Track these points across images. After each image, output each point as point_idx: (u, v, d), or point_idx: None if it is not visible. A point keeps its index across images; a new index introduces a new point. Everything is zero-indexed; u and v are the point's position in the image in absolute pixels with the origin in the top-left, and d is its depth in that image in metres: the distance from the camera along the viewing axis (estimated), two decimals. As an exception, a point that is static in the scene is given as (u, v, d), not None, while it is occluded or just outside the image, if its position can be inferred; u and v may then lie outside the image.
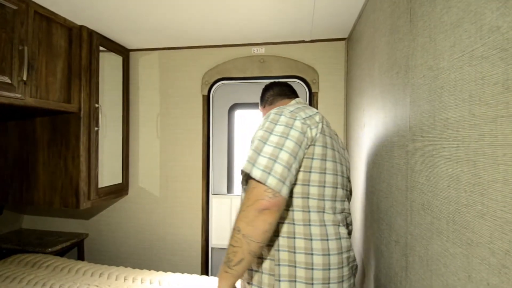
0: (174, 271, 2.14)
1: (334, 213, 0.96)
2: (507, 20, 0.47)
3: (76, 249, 2.31)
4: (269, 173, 0.83)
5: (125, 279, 1.69)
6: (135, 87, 2.22)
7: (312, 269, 0.90)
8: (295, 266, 0.91)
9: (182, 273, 2.01)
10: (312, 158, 0.92)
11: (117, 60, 2.12)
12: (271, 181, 0.82)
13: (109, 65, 2.05)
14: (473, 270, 0.54)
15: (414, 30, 0.83)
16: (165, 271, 2.15)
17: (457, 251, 0.59)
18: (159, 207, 2.22)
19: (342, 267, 0.94)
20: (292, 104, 1.06)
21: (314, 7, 1.56)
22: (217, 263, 2.24)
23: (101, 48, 1.95)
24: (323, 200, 0.95)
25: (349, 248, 0.98)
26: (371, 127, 1.32)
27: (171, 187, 2.20)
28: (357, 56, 1.68)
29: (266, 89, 1.31)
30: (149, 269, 2.12)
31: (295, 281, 0.90)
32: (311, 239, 0.91)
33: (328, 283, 0.91)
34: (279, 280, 0.91)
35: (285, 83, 1.31)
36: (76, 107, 1.76)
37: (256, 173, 0.83)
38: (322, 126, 0.96)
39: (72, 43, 1.78)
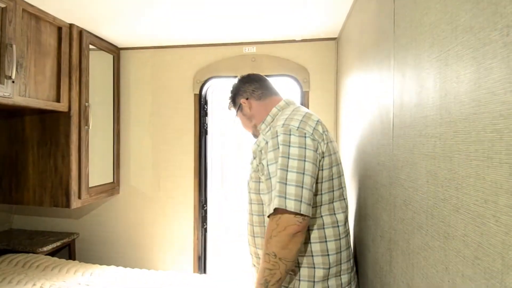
0: (167, 270, 2.14)
1: (344, 212, 1.08)
2: (479, 21, 0.49)
3: (67, 249, 2.30)
4: (300, 201, 0.91)
5: (116, 278, 1.69)
6: (126, 86, 2.21)
7: (329, 268, 1.03)
8: (314, 268, 1.03)
9: (174, 271, 2.02)
10: (322, 169, 1.02)
11: (108, 58, 2.11)
12: (304, 208, 0.91)
13: (99, 64, 2.04)
14: (449, 262, 0.56)
15: (397, 30, 0.85)
16: (159, 269, 2.15)
17: (435, 244, 0.61)
18: (151, 206, 2.21)
19: (350, 259, 1.10)
20: (288, 109, 1.13)
21: (305, 6, 1.58)
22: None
23: (91, 46, 1.94)
24: (333, 203, 1.06)
25: (349, 243, 1.13)
26: (359, 125, 1.34)
27: (163, 186, 2.20)
28: (346, 56, 1.70)
29: (246, 81, 1.27)
30: (141, 268, 2.12)
31: (314, 281, 1.02)
32: (325, 241, 1.03)
33: (340, 275, 1.06)
34: (299, 280, 1.03)
35: (265, 77, 1.31)
36: (66, 106, 1.75)
37: (290, 205, 0.90)
38: (326, 135, 1.05)
39: (62, 42, 1.76)
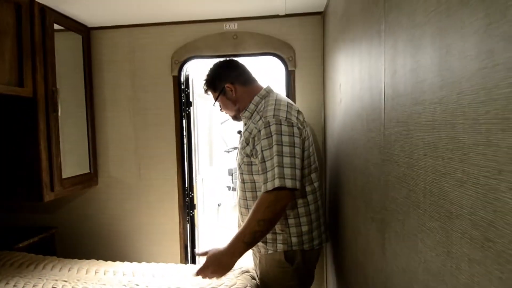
0: (152, 261, 2.06)
1: (318, 180, 1.36)
2: (491, -48, 0.40)
3: (46, 244, 2.18)
4: (295, 180, 1.14)
5: (96, 272, 1.60)
6: (99, 68, 2.05)
7: (312, 223, 1.34)
8: (300, 226, 1.32)
9: (164, 262, 1.93)
10: (304, 150, 1.25)
11: (76, 39, 1.94)
12: (298, 185, 1.15)
13: (67, 45, 1.89)
14: (452, 245, 0.49)
15: (388, -13, 0.75)
16: (143, 261, 2.06)
17: (435, 225, 0.54)
18: (132, 196, 2.11)
19: (324, 213, 1.44)
20: (270, 98, 1.31)
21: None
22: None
23: (57, 26, 1.77)
24: (310, 174, 1.32)
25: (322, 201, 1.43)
26: (347, 102, 1.25)
27: (144, 175, 2.09)
28: (332, 30, 1.60)
29: (228, 66, 1.38)
30: (127, 261, 2.03)
31: (302, 235, 1.31)
32: (308, 205, 1.32)
33: (320, 227, 1.37)
34: (290, 236, 1.30)
35: (242, 64, 1.42)
36: (30, 90, 1.60)
37: (289, 184, 1.12)
38: (305, 122, 1.31)
39: (22, 20, 1.59)
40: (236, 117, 1.43)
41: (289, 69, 1.95)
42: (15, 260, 1.75)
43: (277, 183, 1.11)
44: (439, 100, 0.52)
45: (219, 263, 1.18)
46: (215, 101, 1.41)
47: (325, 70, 1.87)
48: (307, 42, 1.93)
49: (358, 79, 1.06)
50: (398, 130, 0.69)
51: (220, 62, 1.41)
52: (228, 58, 1.43)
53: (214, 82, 1.37)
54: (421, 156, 0.58)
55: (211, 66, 1.41)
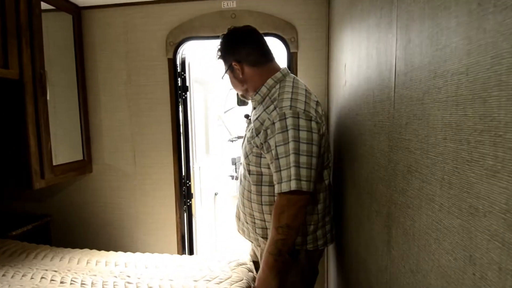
0: (148, 251, 2.00)
1: (328, 178, 1.21)
2: None
3: (40, 232, 2.14)
4: (310, 181, 1.03)
5: (87, 262, 1.55)
6: (91, 51, 1.96)
7: (318, 223, 1.21)
8: (306, 224, 1.19)
9: (160, 253, 1.88)
10: (321, 147, 1.11)
11: (66, 19, 1.84)
12: (312, 187, 1.04)
13: (57, 26, 1.79)
14: (477, 249, 0.40)
15: None
16: (139, 251, 2.01)
17: (454, 223, 0.45)
18: (128, 184, 2.04)
19: (330, 212, 1.28)
20: (287, 83, 1.15)
21: None
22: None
23: (46, 5, 1.67)
24: (322, 171, 1.18)
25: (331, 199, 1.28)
26: (352, 84, 1.14)
27: (139, 162, 2.01)
28: (339, 7, 1.47)
29: (240, 40, 1.19)
30: (122, 251, 1.98)
31: (306, 235, 1.19)
32: (317, 204, 1.19)
33: (325, 226, 1.24)
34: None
35: (261, 36, 1.22)
36: (16, 72, 1.51)
37: (304, 187, 1.01)
38: (323, 115, 1.15)
39: (6, -3, 1.49)
40: (243, 97, 1.29)
41: (291, 51, 1.83)
42: (7, 248, 1.70)
43: (293, 185, 1.00)
44: (466, 68, 0.41)
45: (259, 282, 1.12)
46: (224, 74, 1.26)
47: (330, 51, 1.75)
48: (311, 22, 1.81)
49: (365, 57, 0.95)
50: (411, 111, 0.59)
51: (236, 31, 1.22)
52: (248, 27, 1.22)
53: (224, 54, 1.22)
54: (439, 140, 0.48)
55: (229, 31, 1.22)
